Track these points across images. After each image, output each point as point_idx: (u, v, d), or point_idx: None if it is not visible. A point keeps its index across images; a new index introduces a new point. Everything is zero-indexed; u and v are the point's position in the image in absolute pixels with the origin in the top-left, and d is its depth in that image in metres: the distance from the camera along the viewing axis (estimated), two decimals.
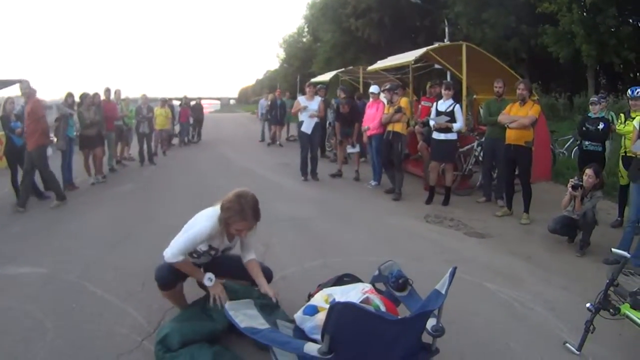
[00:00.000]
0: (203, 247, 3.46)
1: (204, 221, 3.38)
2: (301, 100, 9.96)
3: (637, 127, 5.44)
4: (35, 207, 7.72)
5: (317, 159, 10.16)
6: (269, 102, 16.84)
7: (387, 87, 8.48)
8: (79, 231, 6.36)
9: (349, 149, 10.20)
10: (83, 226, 6.61)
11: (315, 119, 9.65)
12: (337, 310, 2.24)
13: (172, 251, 3.31)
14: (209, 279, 3.38)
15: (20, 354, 3.28)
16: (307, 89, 10.08)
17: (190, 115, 17.49)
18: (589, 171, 5.68)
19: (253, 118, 37.33)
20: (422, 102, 10.26)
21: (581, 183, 5.66)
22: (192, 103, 18.58)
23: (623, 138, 6.73)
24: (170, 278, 3.44)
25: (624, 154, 6.66)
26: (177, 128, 17.22)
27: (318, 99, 9.90)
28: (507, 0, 21.04)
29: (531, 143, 6.81)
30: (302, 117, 9.76)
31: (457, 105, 7.65)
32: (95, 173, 9.78)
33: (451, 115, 7.54)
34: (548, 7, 18.05)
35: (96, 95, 10.26)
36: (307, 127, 9.60)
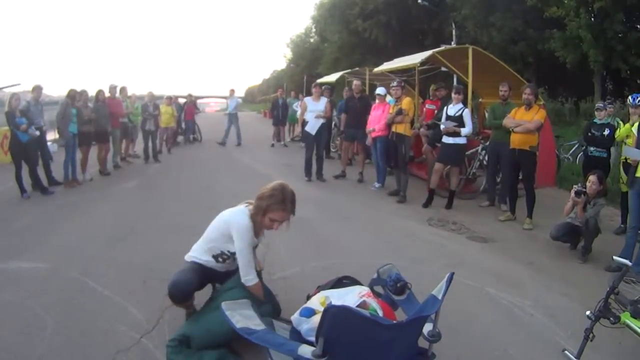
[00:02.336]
0: (232, 249, 3.43)
1: (241, 221, 3.37)
2: (307, 101, 9.96)
3: (636, 134, 5.40)
4: (39, 202, 7.76)
5: (323, 159, 10.14)
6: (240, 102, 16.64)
7: (394, 84, 8.48)
8: (81, 227, 6.39)
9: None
10: (86, 222, 6.64)
11: (322, 120, 9.65)
12: (331, 313, 2.23)
13: (248, 273, 3.34)
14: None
15: (20, 349, 3.30)
16: (314, 90, 10.02)
17: (195, 114, 17.51)
18: (592, 178, 5.64)
19: (259, 117, 37.41)
20: (427, 105, 10.25)
21: (584, 190, 5.63)
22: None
23: (623, 144, 6.70)
24: (186, 292, 3.38)
25: (624, 160, 6.63)
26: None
27: (324, 100, 9.88)
28: (515, 4, 20.99)
29: (536, 148, 6.79)
30: (307, 117, 9.76)
31: (466, 110, 7.61)
32: (83, 171, 9.74)
33: (460, 119, 7.52)
34: (556, 12, 18.02)
35: (100, 92, 10.32)
36: (312, 128, 9.59)
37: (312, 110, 9.69)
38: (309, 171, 9.85)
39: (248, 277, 3.33)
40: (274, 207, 3.29)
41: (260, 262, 3.80)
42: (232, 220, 3.41)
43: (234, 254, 3.43)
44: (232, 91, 17.81)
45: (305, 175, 9.83)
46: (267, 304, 3.50)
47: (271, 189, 3.34)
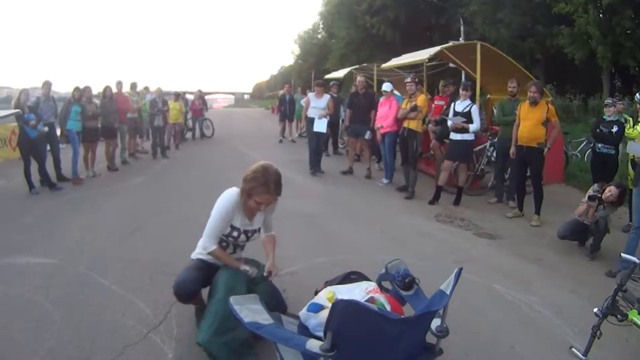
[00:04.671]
0: (225, 230, 3.41)
1: (223, 198, 3.38)
2: (310, 97, 10.12)
3: None
4: (47, 198, 7.80)
5: (322, 154, 10.33)
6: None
7: (408, 80, 8.41)
8: (89, 223, 6.41)
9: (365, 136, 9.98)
10: (94, 218, 6.67)
11: (326, 118, 9.76)
12: (340, 307, 2.23)
13: (205, 239, 3.34)
14: (245, 270, 3.37)
15: (28, 343, 3.32)
16: (316, 89, 10.19)
17: (204, 109, 17.47)
18: (613, 190, 5.53)
19: (267, 113, 37.40)
20: (435, 101, 10.22)
21: (599, 195, 5.57)
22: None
23: (628, 141, 6.64)
24: (191, 291, 3.35)
25: (632, 158, 6.58)
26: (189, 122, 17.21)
27: (327, 97, 10.01)
28: (523, 0, 20.88)
29: (544, 144, 6.76)
30: (310, 113, 9.91)
31: (474, 106, 7.58)
32: (87, 167, 9.73)
33: (467, 116, 7.49)
34: (564, 8, 17.89)
35: (107, 88, 10.34)
36: (321, 127, 9.72)
37: (315, 107, 9.85)
38: (313, 162, 10.03)
39: (206, 245, 3.34)
40: (257, 190, 3.23)
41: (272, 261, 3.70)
42: (220, 197, 3.42)
43: (228, 234, 3.43)
44: (146, 88, 14.78)
45: (310, 168, 9.98)
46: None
47: (252, 171, 3.27)
